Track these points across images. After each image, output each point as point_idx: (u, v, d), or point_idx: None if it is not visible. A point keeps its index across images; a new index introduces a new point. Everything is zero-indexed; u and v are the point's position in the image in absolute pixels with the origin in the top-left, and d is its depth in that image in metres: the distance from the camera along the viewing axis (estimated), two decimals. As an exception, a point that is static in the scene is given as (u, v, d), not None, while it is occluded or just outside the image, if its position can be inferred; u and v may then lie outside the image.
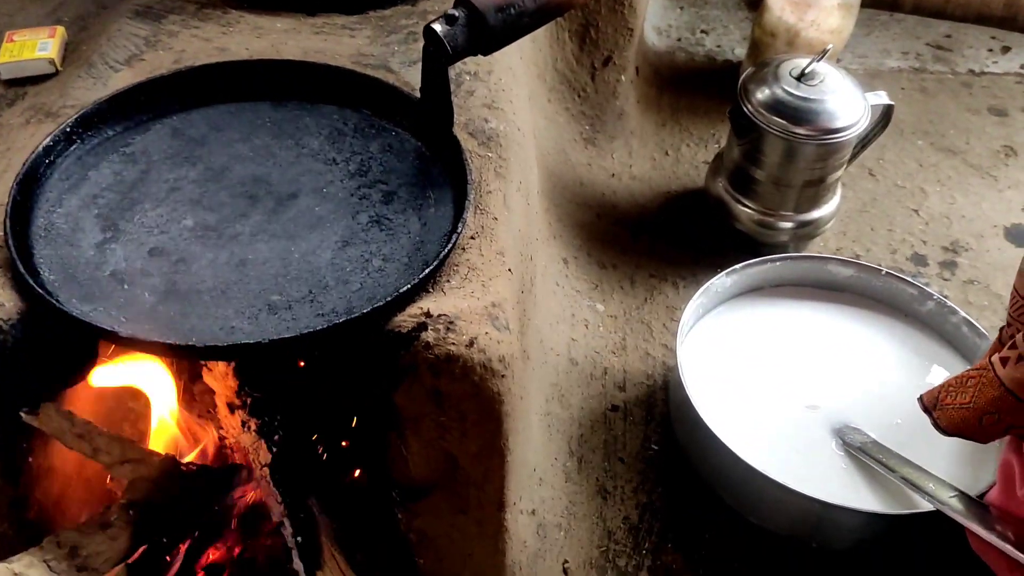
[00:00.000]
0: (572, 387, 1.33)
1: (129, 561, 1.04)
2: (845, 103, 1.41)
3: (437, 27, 1.02)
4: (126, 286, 0.94)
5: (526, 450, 1.13)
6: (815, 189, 1.48)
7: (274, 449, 1.01)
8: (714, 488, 1.22)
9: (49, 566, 0.91)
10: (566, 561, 1.16)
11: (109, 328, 0.87)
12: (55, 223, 1.00)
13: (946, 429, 1.03)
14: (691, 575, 1.17)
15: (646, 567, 1.17)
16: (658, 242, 1.58)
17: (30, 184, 1.00)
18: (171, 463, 1.02)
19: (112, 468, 0.99)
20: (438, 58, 1.03)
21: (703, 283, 1.44)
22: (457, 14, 1.03)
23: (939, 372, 1.30)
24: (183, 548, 1.07)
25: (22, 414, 0.93)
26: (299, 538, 1.04)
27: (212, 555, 1.10)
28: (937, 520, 1.07)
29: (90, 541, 0.94)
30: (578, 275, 1.48)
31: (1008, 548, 0.98)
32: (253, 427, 1.03)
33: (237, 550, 1.15)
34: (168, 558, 1.06)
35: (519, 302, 1.04)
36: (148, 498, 0.98)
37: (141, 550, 1.04)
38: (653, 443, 1.30)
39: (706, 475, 1.23)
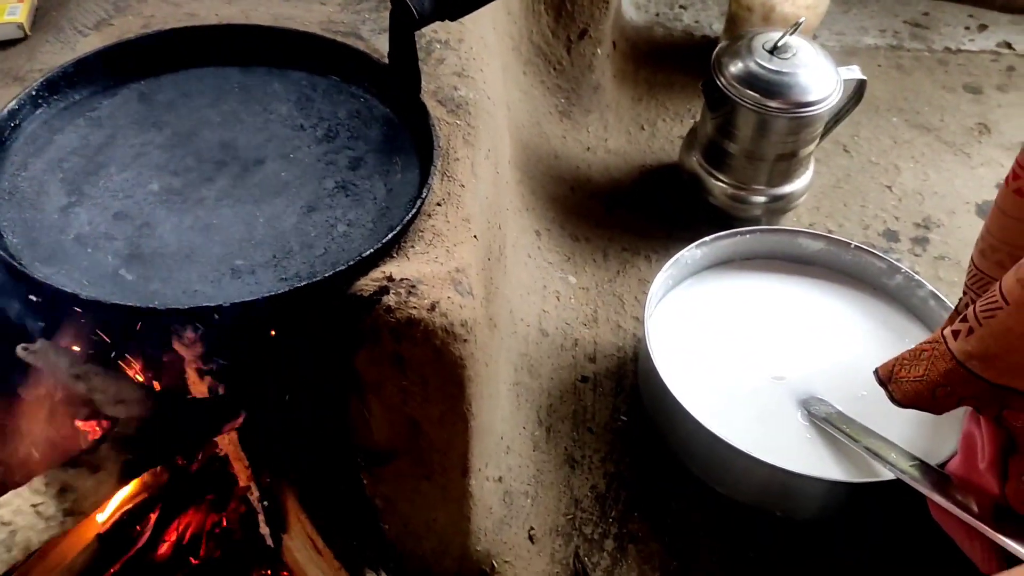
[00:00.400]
0: (542, 358, 1.34)
1: (103, 528, 1.05)
2: (817, 77, 1.41)
3: (404, -9, 1.02)
4: (89, 250, 0.94)
5: (493, 418, 1.13)
6: (787, 163, 1.48)
7: (242, 414, 1.02)
8: (681, 458, 1.23)
9: (38, 511, 0.90)
10: (532, 528, 1.17)
11: (71, 291, 0.87)
12: (19, 187, 0.99)
13: (901, 402, 1.04)
14: (657, 543, 1.18)
15: (612, 535, 1.18)
16: (632, 216, 1.59)
17: (-6, 147, 1.00)
18: (166, 401, 1.01)
19: (105, 407, 0.98)
20: (405, 23, 1.03)
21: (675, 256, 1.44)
22: (424, -21, 1.02)
23: (906, 346, 1.30)
24: (152, 518, 1.07)
25: (19, 349, 0.93)
26: (265, 502, 1.05)
27: (183, 525, 1.11)
28: (899, 489, 1.09)
29: (80, 482, 0.93)
30: (550, 247, 1.49)
31: (966, 516, 0.99)
32: (222, 393, 1.03)
33: (210, 521, 1.15)
34: (138, 528, 1.06)
35: (485, 269, 1.04)
36: (138, 435, 0.97)
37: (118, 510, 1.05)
38: (622, 414, 1.31)
39: (673, 445, 1.24)
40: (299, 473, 1.05)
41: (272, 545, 1.08)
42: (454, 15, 1.05)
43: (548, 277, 1.44)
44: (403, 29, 1.04)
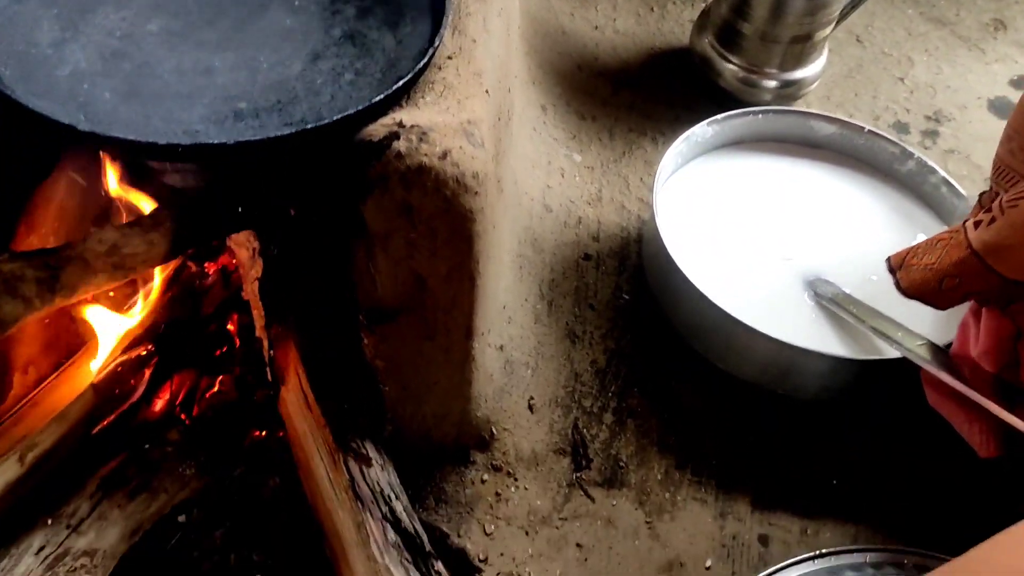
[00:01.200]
0: (545, 233, 1.31)
1: (97, 378, 1.03)
2: (839, -45, 1.36)
3: None
4: (86, 86, 0.90)
5: (497, 285, 1.11)
6: (801, 46, 1.45)
7: (264, 264, 1.00)
8: (684, 336, 1.22)
9: (86, 259, 0.90)
10: (532, 398, 1.16)
11: (68, 123, 0.83)
12: (13, 20, 0.95)
13: (907, 291, 1.02)
14: (655, 419, 1.17)
15: (611, 408, 1.17)
16: (639, 97, 1.55)
17: (-14, -22, 0.95)
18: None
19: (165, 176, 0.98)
20: None
21: (683, 138, 1.41)
22: None
23: (915, 231, 1.29)
24: (147, 373, 1.06)
25: None
26: (272, 352, 1.03)
27: (176, 384, 1.09)
28: (904, 369, 1.08)
29: (129, 242, 0.92)
30: (556, 123, 1.45)
31: (972, 393, 0.98)
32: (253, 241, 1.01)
33: (204, 381, 1.14)
34: (132, 382, 1.04)
35: (494, 127, 1.01)
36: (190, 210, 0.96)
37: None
38: (624, 292, 1.29)
39: (676, 322, 1.22)
40: (301, 326, 1.03)
41: (273, 394, 1.07)
42: None
43: (553, 153, 1.41)
44: None
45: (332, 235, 0.94)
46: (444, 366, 1.03)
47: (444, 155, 0.86)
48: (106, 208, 1.06)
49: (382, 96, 0.89)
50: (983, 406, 0.97)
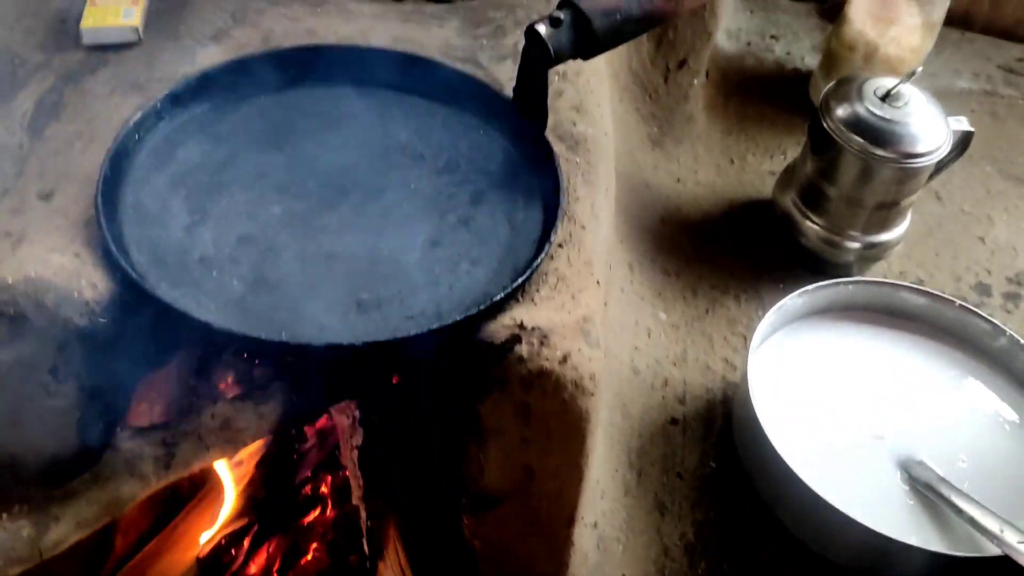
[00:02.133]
0: (633, 397, 1.32)
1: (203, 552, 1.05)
2: (927, 127, 1.38)
3: (541, 29, 1.00)
4: (215, 273, 0.93)
5: (593, 462, 1.12)
6: (887, 212, 1.46)
7: (365, 433, 1.01)
8: (774, 511, 1.21)
9: (200, 436, 0.93)
10: (623, 575, 1.15)
11: (202, 319, 0.85)
12: (143, 202, 0.98)
13: None
14: (745, 597, 1.16)
15: (701, 586, 1.17)
16: (720, 252, 1.56)
17: (120, 161, 0.99)
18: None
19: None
20: (539, 61, 1.01)
21: (764, 298, 1.42)
22: (562, 16, 1.01)
23: (1006, 411, 1.28)
24: (247, 542, 1.07)
25: None
26: (371, 523, 1.04)
27: (274, 548, 1.10)
28: (1004, 566, 1.06)
29: (241, 416, 0.95)
30: (642, 281, 1.47)
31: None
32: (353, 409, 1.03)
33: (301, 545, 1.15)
34: (233, 552, 1.05)
35: (604, 315, 1.02)
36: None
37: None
38: (712, 460, 1.29)
39: (767, 497, 1.22)
40: (403, 503, 1.03)
41: (369, 567, 1.07)
42: (588, 54, 1.04)
43: (640, 312, 1.42)
44: (536, 67, 1.02)
45: (444, 427, 0.96)
46: (543, 551, 1.03)
47: (564, 359, 0.88)
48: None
49: (503, 294, 0.91)
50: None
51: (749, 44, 1.94)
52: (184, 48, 1.16)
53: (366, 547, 1.07)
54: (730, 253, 1.56)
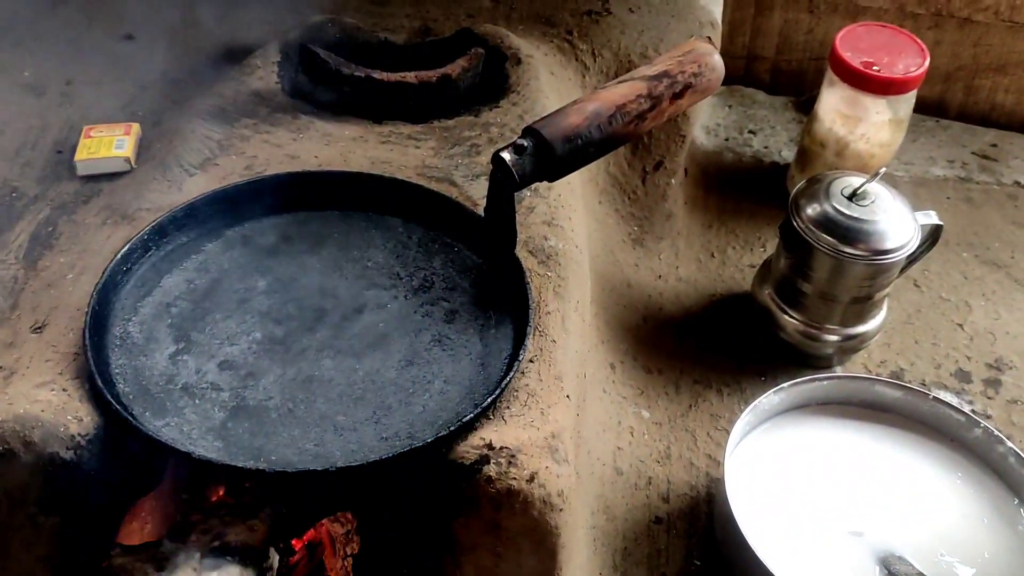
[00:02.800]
0: (617, 498, 1.34)
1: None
2: (895, 224, 1.42)
3: (506, 156, 1.05)
4: (197, 401, 0.97)
5: (574, 568, 1.14)
6: (862, 305, 1.49)
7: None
8: (757, 610, 1.23)
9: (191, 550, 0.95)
10: None
11: (183, 450, 0.89)
12: (130, 332, 1.03)
13: None
14: None
15: None
16: (703, 347, 1.60)
17: (107, 292, 1.04)
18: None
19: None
20: (505, 185, 1.06)
21: (746, 390, 1.44)
22: (525, 144, 1.06)
23: (985, 502, 1.30)
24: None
25: None
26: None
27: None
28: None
29: (231, 529, 0.97)
30: (624, 380, 1.50)
31: None
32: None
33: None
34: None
35: (575, 427, 1.05)
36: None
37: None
38: (696, 558, 1.31)
39: (749, 597, 1.23)
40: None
41: None
42: (553, 178, 1.09)
43: (622, 412, 1.45)
44: (503, 190, 1.07)
45: (421, 543, 0.98)
46: (524, 662, 1.05)
47: (532, 478, 0.91)
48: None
49: (472, 415, 0.94)
50: None
51: (727, 139, 2.00)
52: (172, 177, 1.22)
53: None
54: (712, 347, 1.60)
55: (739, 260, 1.76)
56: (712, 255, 1.77)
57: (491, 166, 1.08)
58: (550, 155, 1.06)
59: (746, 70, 2.13)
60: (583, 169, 1.53)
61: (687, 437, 1.46)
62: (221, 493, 1.05)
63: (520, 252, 1.14)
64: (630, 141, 1.17)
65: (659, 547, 1.31)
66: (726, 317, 1.65)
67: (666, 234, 1.75)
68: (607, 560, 1.27)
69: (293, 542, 1.18)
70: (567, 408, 1.01)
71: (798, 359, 1.53)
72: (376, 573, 1.07)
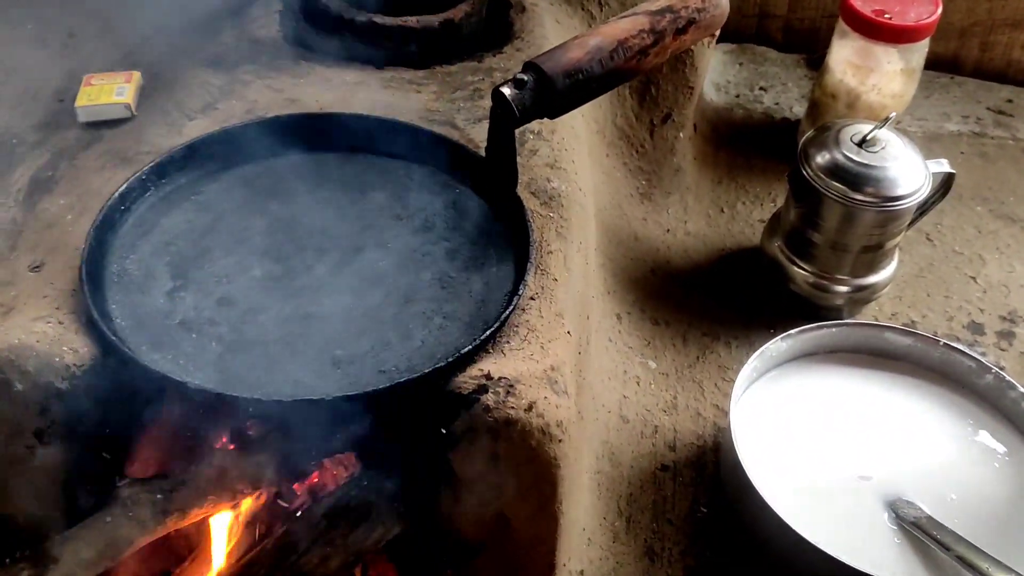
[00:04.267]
0: (622, 445, 1.33)
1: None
2: (906, 170, 1.40)
3: (506, 90, 1.04)
4: (195, 335, 0.97)
5: (577, 509, 1.13)
6: (873, 254, 1.47)
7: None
8: (764, 555, 1.21)
9: (197, 484, 0.97)
10: (612, 624, 1.16)
11: (178, 379, 0.89)
12: (128, 269, 1.02)
13: None
14: (737, 643, 1.16)
15: (692, 633, 1.17)
16: (711, 300, 1.58)
17: (105, 230, 1.03)
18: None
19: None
20: (505, 121, 1.05)
21: (755, 343, 1.42)
22: (526, 78, 1.04)
23: (995, 448, 1.28)
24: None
25: None
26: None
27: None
28: (993, 603, 1.06)
29: (238, 465, 0.99)
30: (631, 331, 1.49)
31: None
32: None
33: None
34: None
35: (576, 364, 1.04)
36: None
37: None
38: (702, 505, 1.29)
39: (756, 542, 1.22)
40: (395, 551, 1.05)
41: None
42: (554, 114, 1.07)
43: (628, 362, 1.44)
44: (504, 127, 1.06)
45: (420, 473, 0.98)
46: (526, 599, 1.04)
47: (530, 407, 0.90)
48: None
49: (471, 346, 0.94)
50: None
51: (738, 96, 1.98)
52: (173, 122, 1.22)
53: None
54: (720, 301, 1.58)
55: (749, 215, 1.75)
56: (721, 210, 1.75)
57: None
58: (551, 90, 1.04)
59: (758, 28, 2.10)
60: (590, 120, 1.53)
61: (694, 388, 1.45)
62: (225, 434, 1.05)
63: (522, 193, 1.12)
64: (633, 77, 1.15)
65: (665, 494, 1.30)
66: (735, 271, 1.64)
67: (674, 189, 1.73)
68: (611, 506, 1.26)
69: (295, 486, 1.18)
70: (568, 343, 1.00)
71: (808, 311, 1.51)
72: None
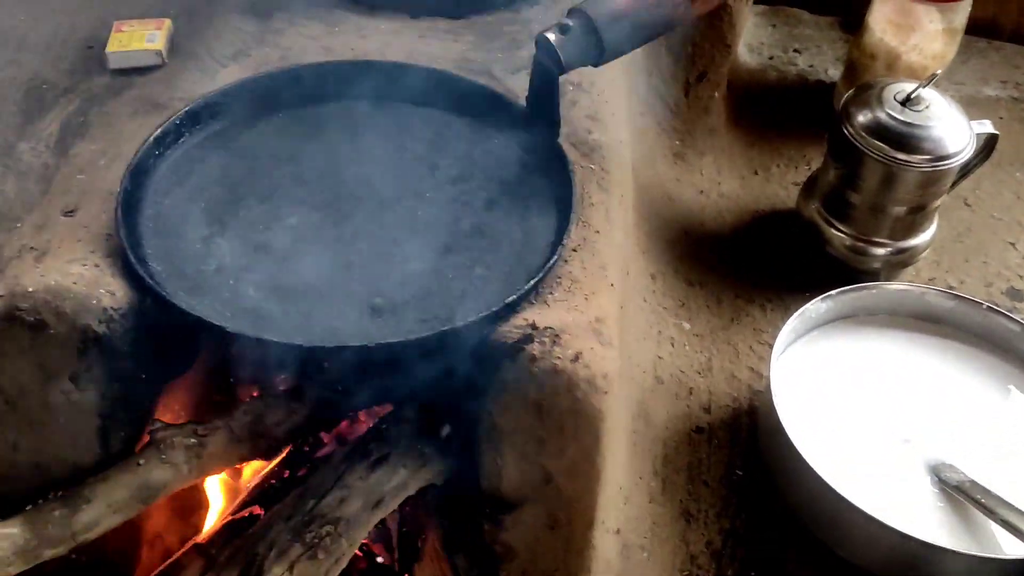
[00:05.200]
0: (657, 406, 1.31)
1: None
2: (950, 130, 1.37)
3: (551, 36, 1.01)
4: (231, 281, 0.95)
5: (615, 467, 1.11)
6: (913, 216, 1.44)
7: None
8: (801, 518, 1.19)
9: (231, 429, 0.95)
10: (648, 583, 1.14)
11: (216, 324, 0.87)
12: (163, 214, 1.00)
13: None
14: (773, 605, 1.15)
15: (728, 594, 1.15)
16: (745, 262, 1.56)
17: (140, 175, 1.01)
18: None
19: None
20: (550, 68, 1.02)
21: (790, 306, 1.40)
22: (571, 24, 1.02)
23: (1039, 411, 1.26)
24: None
25: None
26: (404, 528, 1.04)
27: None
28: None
29: (272, 412, 0.98)
30: (665, 291, 1.46)
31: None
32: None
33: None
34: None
35: (619, 318, 1.02)
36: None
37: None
38: (738, 468, 1.28)
39: (794, 504, 1.20)
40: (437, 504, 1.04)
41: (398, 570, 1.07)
42: (599, 61, 1.05)
43: (663, 322, 1.41)
44: (547, 75, 1.03)
45: (462, 428, 0.96)
46: (564, 556, 1.02)
47: (576, 357, 0.88)
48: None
49: (516, 296, 0.91)
50: None
51: (772, 58, 1.94)
52: (205, 69, 1.19)
53: (396, 551, 1.07)
54: (755, 263, 1.56)
55: (783, 177, 1.72)
56: (755, 172, 1.72)
57: (532, 57, 1.04)
58: (596, 37, 1.02)
59: (791, -11, 2.07)
60: (624, 75, 1.50)
61: (729, 350, 1.43)
62: (260, 381, 1.03)
63: (563, 145, 1.10)
64: (679, 25, 1.12)
65: (700, 456, 1.28)
66: (770, 233, 1.61)
67: (708, 150, 1.70)
68: (647, 466, 1.24)
69: (321, 434, 1.16)
70: (611, 295, 0.98)
71: (845, 275, 1.48)
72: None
